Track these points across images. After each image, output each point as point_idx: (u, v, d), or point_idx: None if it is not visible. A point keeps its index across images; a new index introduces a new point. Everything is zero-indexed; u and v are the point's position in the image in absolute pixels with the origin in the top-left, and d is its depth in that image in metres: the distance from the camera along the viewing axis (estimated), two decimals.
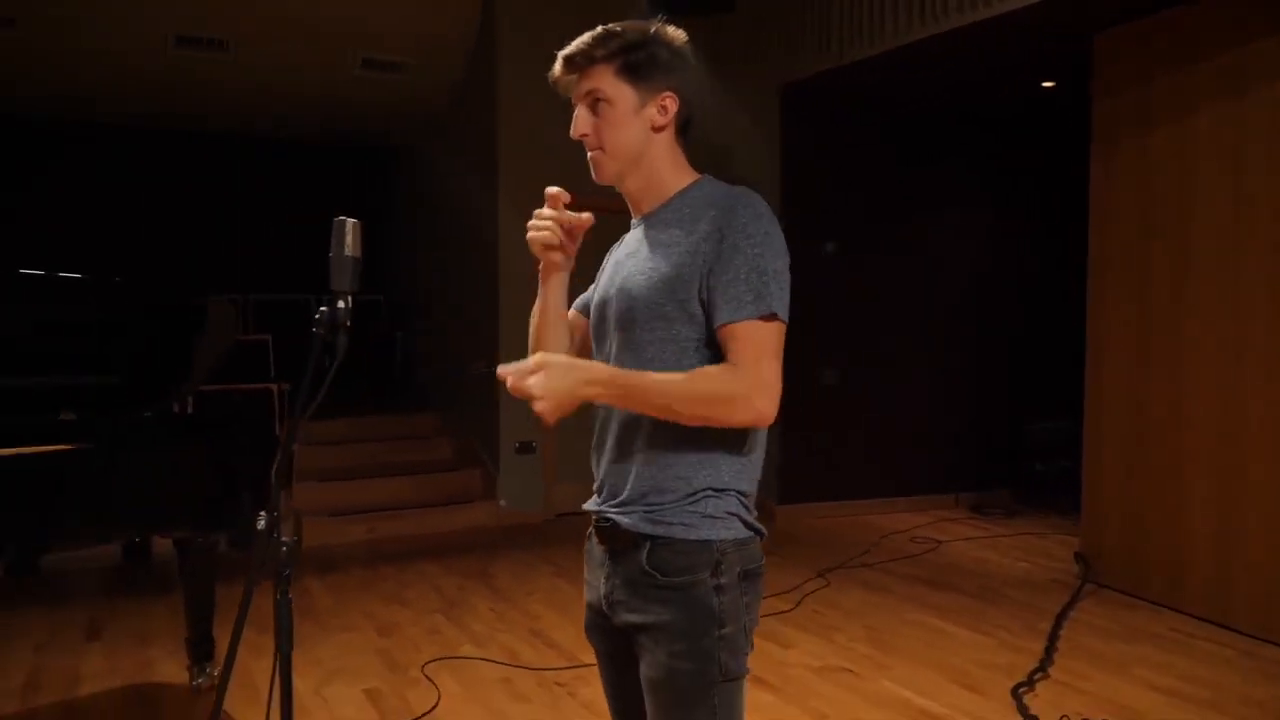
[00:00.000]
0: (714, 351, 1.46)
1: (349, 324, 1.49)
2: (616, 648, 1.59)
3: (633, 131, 1.49)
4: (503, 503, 6.33)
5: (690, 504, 1.46)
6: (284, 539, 1.52)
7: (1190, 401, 4.34)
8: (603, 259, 1.68)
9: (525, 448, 6.35)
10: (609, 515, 1.52)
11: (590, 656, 1.72)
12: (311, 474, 6.34)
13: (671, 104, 1.51)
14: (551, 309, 1.62)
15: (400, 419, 7.54)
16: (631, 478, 1.49)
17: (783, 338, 1.46)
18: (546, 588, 4.83)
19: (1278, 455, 3.96)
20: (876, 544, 5.72)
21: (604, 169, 1.52)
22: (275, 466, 1.50)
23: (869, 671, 3.70)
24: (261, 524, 1.50)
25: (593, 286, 1.67)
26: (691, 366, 1.44)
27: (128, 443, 3.17)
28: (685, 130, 1.55)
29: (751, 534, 1.52)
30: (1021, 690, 3.45)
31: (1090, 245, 4.88)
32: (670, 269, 1.45)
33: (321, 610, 4.50)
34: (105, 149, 8.12)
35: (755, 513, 1.55)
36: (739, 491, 1.50)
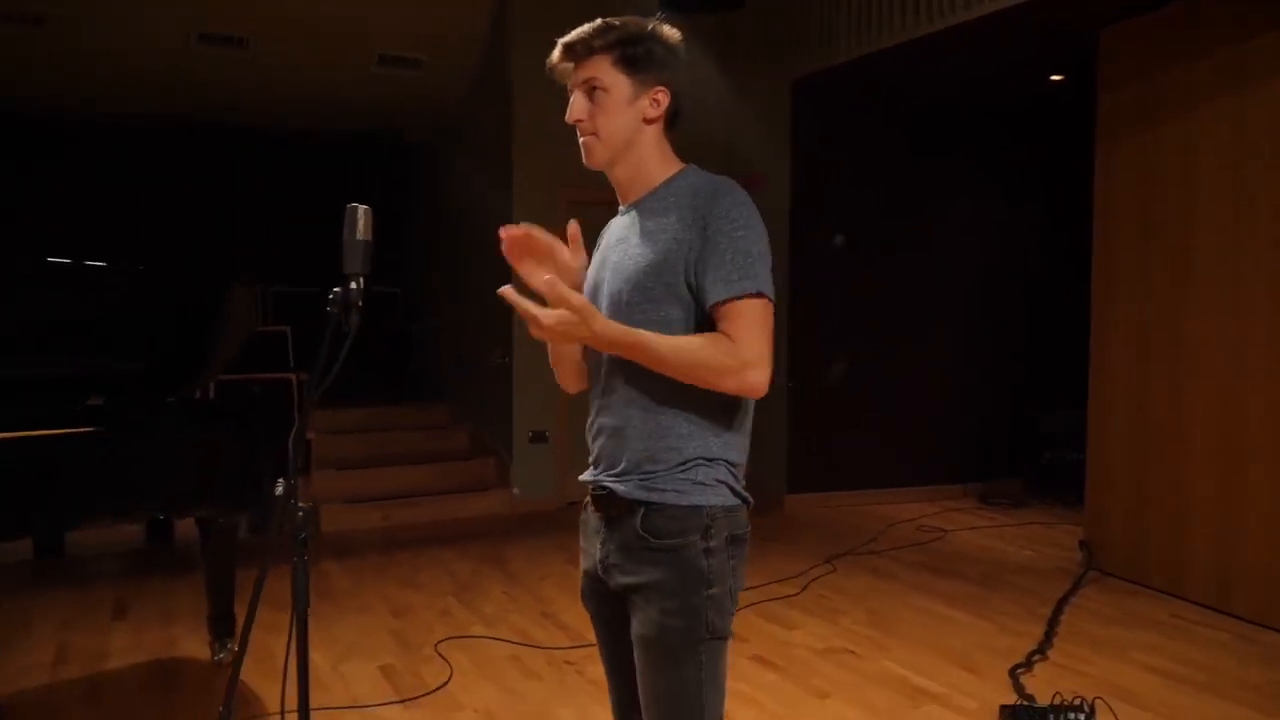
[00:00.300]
0: (700, 330, 1.54)
1: (360, 303, 1.59)
2: (613, 612, 1.68)
3: (625, 120, 1.58)
4: (516, 491, 6.45)
5: (682, 472, 1.56)
6: (300, 505, 1.62)
7: (1192, 394, 4.39)
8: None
9: (538, 437, 6.46)
10: (605, 484, 1.62)
11: None
12: (329, 462, 6.48)
13: (663, 98, 1.60)
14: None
15: (416, 409, 7.68)
16: (626, 450, 1.59)
17: (772, 314, 1.55)
18: (559, 573, 4.93)
19: (1277, 447, 4.01)
20: (883, 532, 5.79)
21: (595, 154, 1.61)
22: (293, 434, 1.60)
23: (870, 652, 3.78)
24: (279, 490, 1.60)
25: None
26: None
27: (153, 427, 3.29)
28: (674, 124, 1.64)
29: (739, 501, 1.61)
30: (1019, 671, 3.53)
31: (1094, 240, 4.94)
32: (658, 255, 1.54)
33: (339, 592, 4.62)
34: (128, 144, 8.30)
35: (743, 482, 1.63)
36: (728, 461, 1.59)
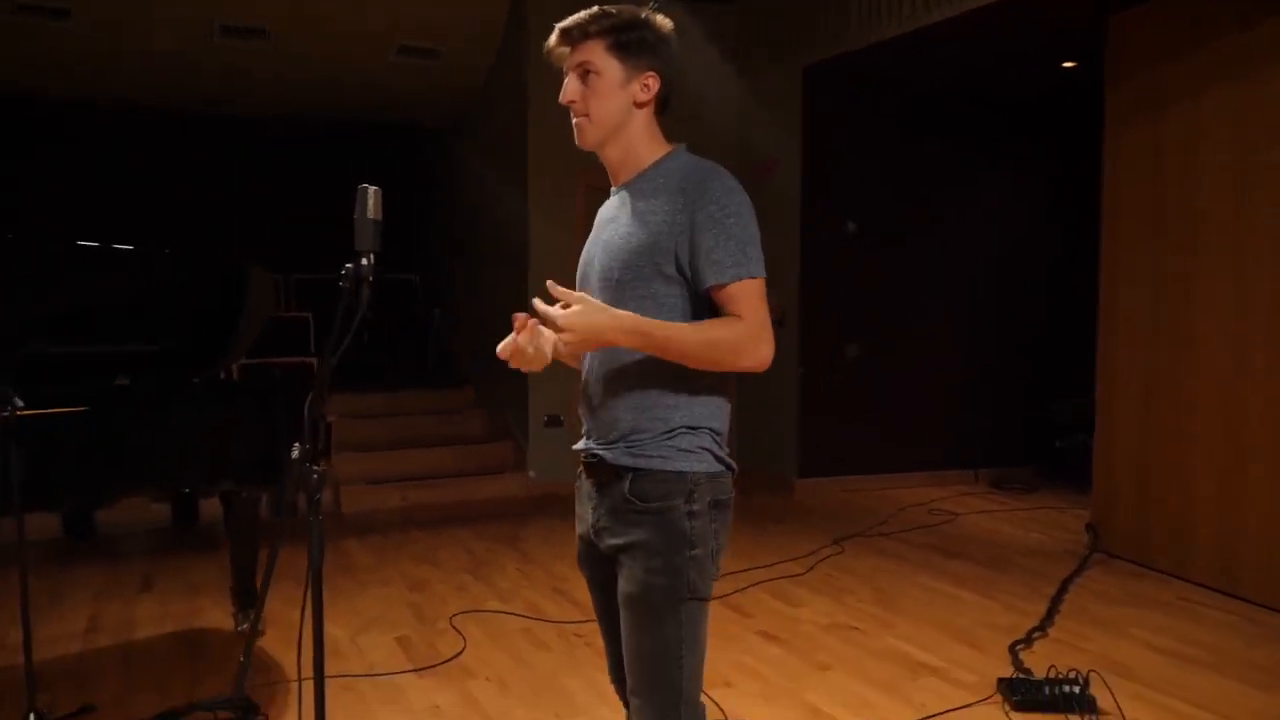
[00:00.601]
0: (689, 306, 1.63)
1: (371, 279, 1.69)
2: (605, 576, 1.78)
3: (616, 103, 1.67)
4: (532, 474, 6.56)
5: (667, 440, 1.65)
6: (316, 468, 1.72)
7: (1197, 381, 4.43)
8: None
9: (554, 421, 6.57)
10: (596, 452, 1.71)
11: None
12: (351, 445, 6.62)
13: (654, 83, 1.68)
14: None
15: (435, 394, 7.82)
16: (615, 419, 1.68)
17: (765, 291, 1.63)
18: (572, 552, 4.94)
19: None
20: (893, 515, 5.86)
21: (586, 135, 1.70)
22: (309, 401, 1.70)
23: (874, 629, 3.86)
24: (295, 453, 1.70)
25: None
26: (669, 320, 1.62)
27: (178, 405, 3.42)
28: (665, 108, 1.72)
29: (723, 468, 1.70)
30: (1019, 647, 3.60)
31: (1102, 227, 4.96)
32: (648, 236, 1.63)
33: (359, 568, 4.76)
34: (152, 133, 8.47)
35: (727, 450, 1.72)
36: (711, 429, 1.68)
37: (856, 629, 3.86)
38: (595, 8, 1.68)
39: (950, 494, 6.48)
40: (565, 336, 1.55)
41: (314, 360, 7.04)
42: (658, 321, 1.58)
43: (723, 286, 1.58)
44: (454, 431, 7.24)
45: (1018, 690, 3.10)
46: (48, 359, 3.23)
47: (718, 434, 1.70)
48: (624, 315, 1.57)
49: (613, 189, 1.78)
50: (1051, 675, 3.14)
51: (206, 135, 8.67)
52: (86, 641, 3.72)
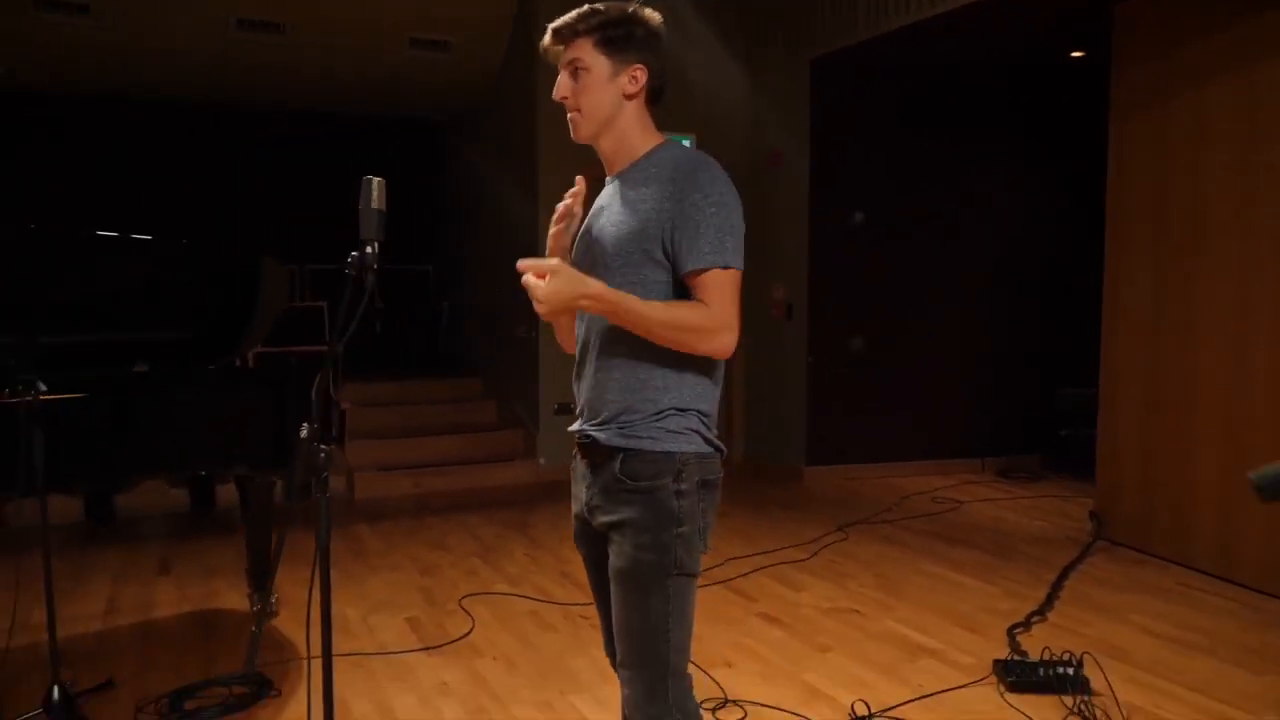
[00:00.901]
0: (676, 292, 1.70)
1: (375, 266, 1.76)
2: (599, 553, 1.85)
3: (606, 97, 1.74)
4: (542, 461, 6.65)
5: (657, 421, 1.72)
6: (322, 447, 1.80)
7: (1200, 369, 4.46)
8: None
9: (564, 409, 6.64)
10: (589, 433, 1.79)
11: None
12: (364, 432, 6.74)
13: (641, 75, 1.74)
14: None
15: (447, 382, 7.92)
16: (607, 402, 1.75)
17: (740, 283, 1.70)
18: None
19: None
20: (899, 503, 5.91)
21: (580, 129, 1.78)
22: (316, 385, 1.78)
23: (874, 612, 3.93)
24: (304, 433, 1.78)
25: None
26: None
27: (195, 391, 3.51)
28: (657, 99, 1.78)
29: (711, 449, 1.77)
30: (1016, 630, 3.65)
31: (1107, 216, 4.99)
32: (637, 223, 1.70)
33: (370, 553, 4.86)
34: (168, 126, 8.59)
35: (716, 432, 1.79)
36: (700, 411, 1.75)
37: (857, 612, 3.93)
38: (585, 6, 1.74)
39: (956, 483, 6.52)
40: (540, 309, 1.65)
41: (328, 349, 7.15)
42: (624, 294, 1.64)
43: (697, 273, 1.65)
44: (465, 419, 7.34)
45: (1012, 671, 3.16)
46: (68, 346, 3.32)
47: (706, 416, 1.77)
48: (593, 283, 1.63)
49: (607, 178, 1.85)
50: (1046, 657, 3.20)
51: (221, 128, 8.78)
52: (107, 621, 3.84)
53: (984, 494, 6.22)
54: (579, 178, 1.83)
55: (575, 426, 1.85)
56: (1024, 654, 3.38)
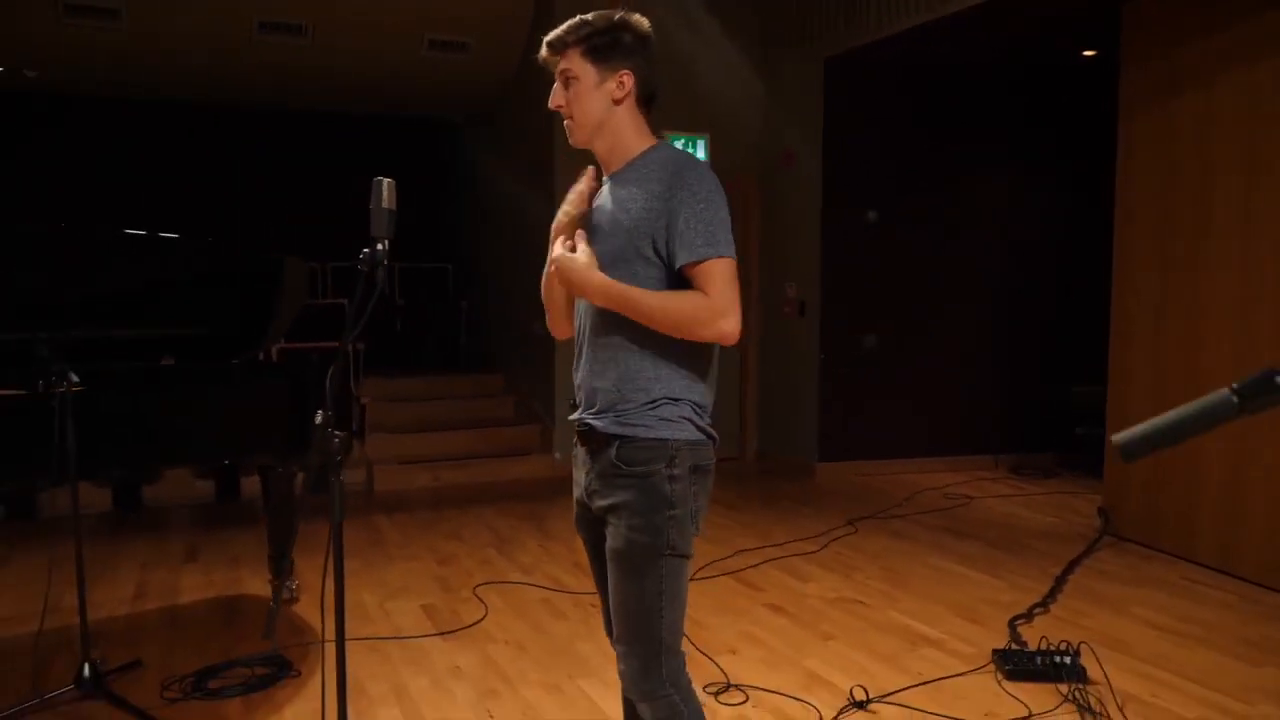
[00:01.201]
0: (666, 286, 1.79)
1: (385, 262, 1.86)
2: (598, 536, 1.95)
3: (595, 103, 1.83)
4: (558, 456, 6.77)
5: (650, 410, 1.81)
6: (337, 433, 1.91)
7: (1205, 367, 4.50)
8: None
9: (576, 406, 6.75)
10: (587, 421, 1.89)
11: None
12: (384, 427, 6.88)
13: (629, 80, 1.84)
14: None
15: (466, 379, 8.06)
16: (604, 391, 1.85)
17: (735, 270, 1.79)
18: None
19: None
20: (909, 498, 5.97)
21: (575, 134, 1.88)
22: (329, 374, 1.88)
23: (879, 603, 4.00)
24: (319, 419, 1.88)
25: None
26: None
27: (219, 385, 3.65)
28: (649, 102, 1.88)
29: (703, 437, 1.85)
30: (1018, 622, 3.72)
31: (1115, 215, 5.03)
32: (630, 221, 1.80)
33: (389, 543, 4.99)
34: (194, 127, 8.79)
35: (708, 420, 1.88)
36: (693, 401, 1.84)
37: (861, 603, 4.01)
38: (575, 18, 1.84)
39: (968, 479, 6.57)
40: (551, 269, 1.86)
41: (349, 345, 7.30)
42: (627, 285, 1.76)
43: (693, 265, 1.74)
44: (482, 415, 7.47)
45: (1010, 660, 3.23)
46: (99, 340, 3.46)
47: (699, 406, 1.86)
48: (600, 276, 1.77)
49: (604, 179, 1.94)
50: (1043, 647, 3.27)
51: (245, 129, 8.97)
52: (135, 605, 3.99)
53: (995, 490, 6.27)
54: (590, 168, 1.94)
55: (575, 416, 1.95)
56: (1024, 644, 3.45)
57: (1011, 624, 3.70)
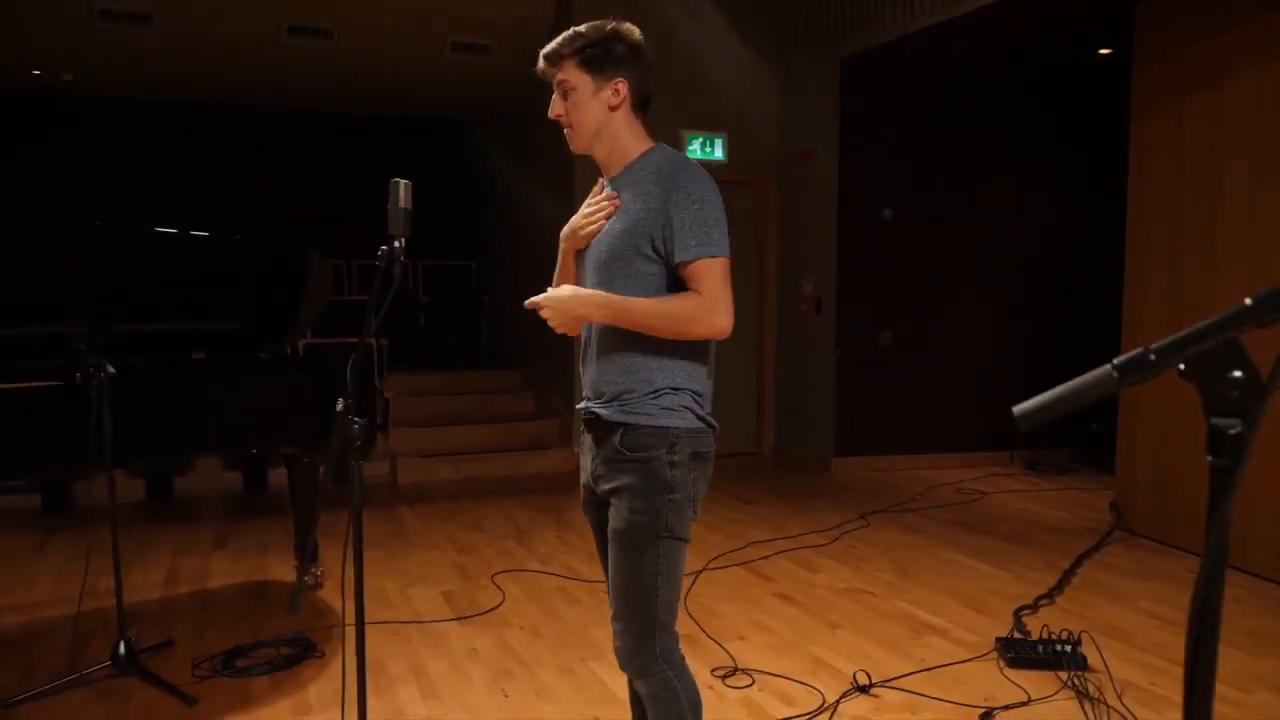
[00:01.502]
0: (667, 284, 1.89)
1: (402, 259, 1.98)
2: (603, 519, 2.05)
3: (592, 111, 1.94)
4: (576, 449, 6.87)
5: (652, 399, 1.92)
6: (357, 420, 2.02)
7: None
8: None
9: None
10: (593, 410, 1.99)
11: None
12: (408, 421, 7.04)
13: (623, 87, 1.94)
14: (571, 272, 2.11)
15: (488, 374, 8.22)
16: (608, 382, 1.96)
17: (729, 269, 1.89)
18: None
19: None
20: (923, 493, 6.03)
21: (575, 142, 1.99)
22: (350, 365, 2.00)
23: (886, 593, 4.08)
24: (340, 407, 2.00)
25: None
26: (647, 295, 1.88)
27: (247, 377, 3.79)
28: (644, 107, 1.98)
29: (703, 425, 1.96)
30: (1023, 612, 3.79)
31: (1128, 212, 5.07)
32: (628, 222, 1.90)
33: (410, 532, 5.13)
34: (224, 129, 9.00)
35: (708, 409, 1.98)
36: (693, 391, 1.94)
37: (869, 593, 4.09)
38: (570, 30, 1.94)
39: (982, 474, 6.62)
40: (545, 313, 1.92)
41: (373, 340, 7.45)
42: (619, 296, 1.86)
43: (687, 263, 1.84)
44: (504, 409, 7.61)
45: (1012, 648, 3.31)
46: (134, 334, 3.61)
47: (699, 395, 1.96)
48: (590, 293, 1.88)
49: (605, 181, 2.05)
50: (1045, 636, 3.34)
51: (274, 130, 9.17)
52: (167, 589, 4.15)
53: (1009, 485, 6.32)
54: (602, 179, 2.03)
55: (582, 405, 2.05)
56: (1027, 633, 3.52)
57: (1016, 614, 3.76)
